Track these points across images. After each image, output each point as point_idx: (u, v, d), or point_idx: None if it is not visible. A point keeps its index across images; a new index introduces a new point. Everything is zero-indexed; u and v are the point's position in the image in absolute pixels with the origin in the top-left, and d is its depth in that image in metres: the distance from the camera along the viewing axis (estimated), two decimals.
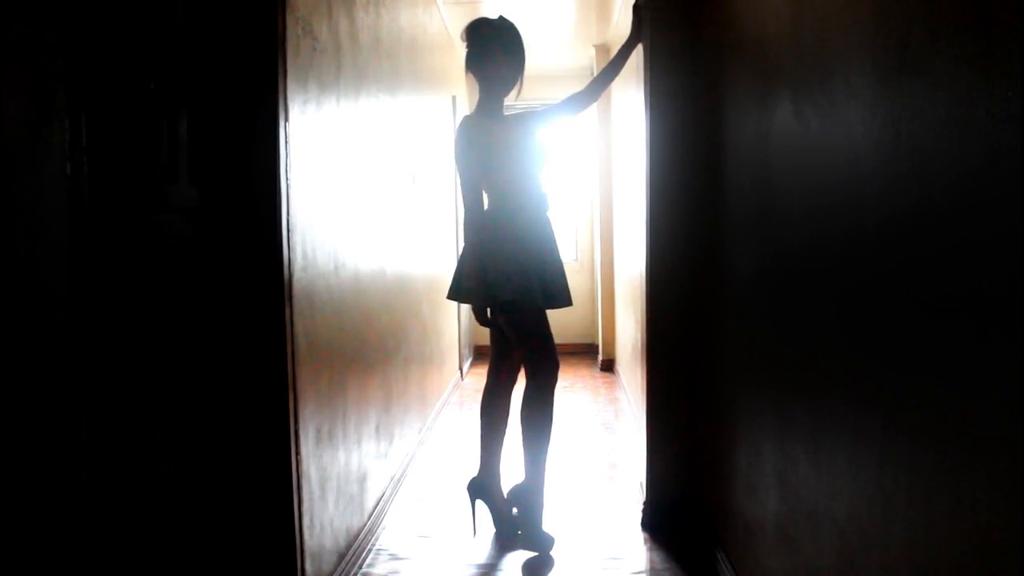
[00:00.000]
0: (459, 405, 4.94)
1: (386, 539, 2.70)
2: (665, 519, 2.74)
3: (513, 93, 2.74)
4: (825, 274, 1.34)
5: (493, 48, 2.64)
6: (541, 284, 2.61)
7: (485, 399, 2.84)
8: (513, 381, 2.87)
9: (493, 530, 2.77)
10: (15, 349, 1.11)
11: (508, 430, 2.86)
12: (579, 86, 6.76)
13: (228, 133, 1.75)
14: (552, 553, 2.56)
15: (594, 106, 6.32)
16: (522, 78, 2.71)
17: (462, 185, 2.64)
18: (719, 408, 2.37)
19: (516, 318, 2.61)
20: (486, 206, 2.70)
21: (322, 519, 2.07)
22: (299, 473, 1.88)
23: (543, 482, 2.65)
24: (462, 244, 2.82)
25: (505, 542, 2.67)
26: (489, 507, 2.77)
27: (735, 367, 2.14)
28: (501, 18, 2.69)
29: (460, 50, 6.27)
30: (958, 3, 0.88)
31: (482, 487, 2.78)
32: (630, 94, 3.93)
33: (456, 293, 2.78)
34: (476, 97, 2.78)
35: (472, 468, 3.49)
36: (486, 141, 2.62)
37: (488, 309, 2.65)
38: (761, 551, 1.84)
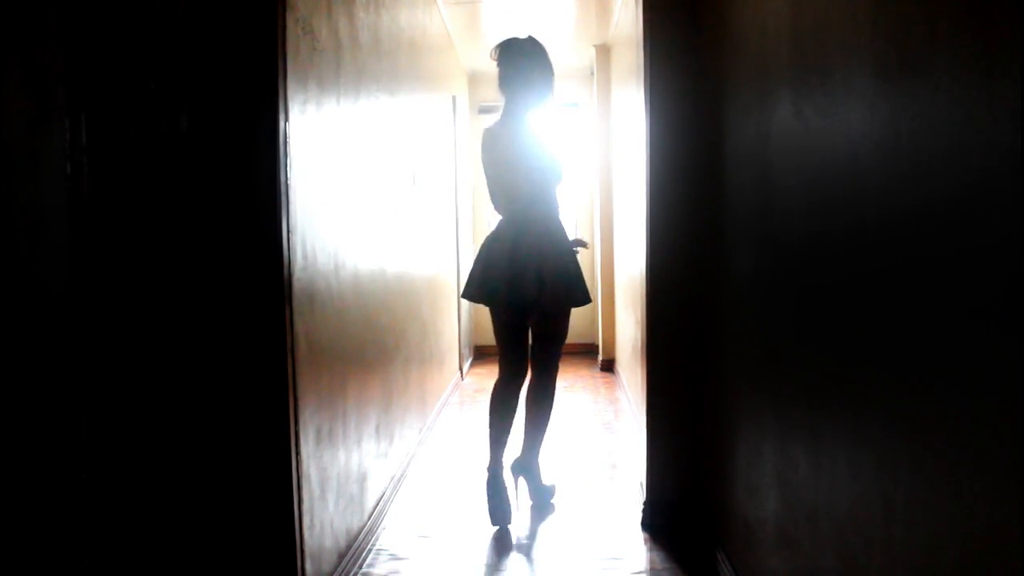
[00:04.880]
0: (459, 405, 4.94)
1: (386, 539, 2.70)
2: (665, 519, 2.74)
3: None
4: (825, 274, 1.34)
5: (525, 66, 2.88)
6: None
7: (514, 400, 3.00)
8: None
9: (529, 503, 3.06)
10: (15, 349, 1.11)
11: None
12: (579, 85, 6.81)
13: (228, 133, 1.75)
14: (552, 501, 3.04)
15: (594, 105, 6.38)
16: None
17: (518, 188, 2.86)
18: (719, 408, 2.37)
19: (564, 316, 2.97)
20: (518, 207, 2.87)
21: (322, 519, 2.07)
22: (299, 473, 1.88)
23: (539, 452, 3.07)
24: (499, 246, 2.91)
25: (506, 541, 2.68)
26: (529, 481, 3.04)
27: (735, 367, 2.14)
28: (530, 37, 2.93)
29: (460, 50, 6.20)
30: (958, 3, 0.88)
31: (525, 465, 3.05)
32: (630, 94, 3.93)
33: (492, 294, 2.86)
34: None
35: (474, 465, 3.49)
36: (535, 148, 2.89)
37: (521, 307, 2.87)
38: (761, 551, 1.84)
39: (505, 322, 2.91)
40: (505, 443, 2.94)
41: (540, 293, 2.82)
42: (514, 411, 2.96)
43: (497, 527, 2.79)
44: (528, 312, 2.90)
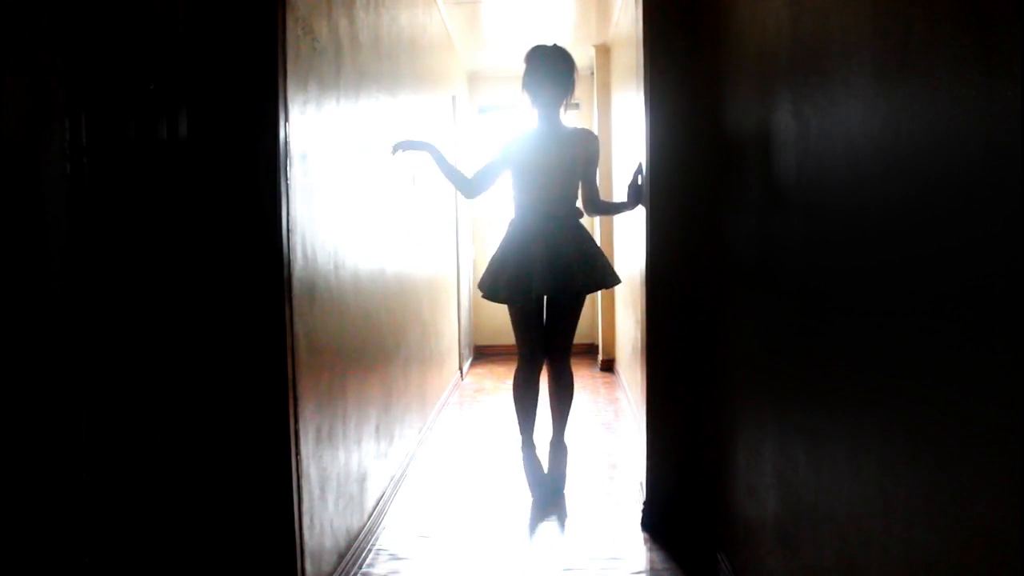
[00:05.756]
0: (459, 405, 4.94)
1: (386, 539, 2.70)
2: (665, 519, 2.74)
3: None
4: (824, 274, 1.34)
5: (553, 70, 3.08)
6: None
7: (531, 384, 3.22)
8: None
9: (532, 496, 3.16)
10: (15, 349, 1.11)
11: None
12: (579, 85, 6.79)
13: (228, 133, 1.75)
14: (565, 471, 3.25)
15: (593, 105, 6.37)
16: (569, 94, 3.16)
17: (544, 181, 3.07)
18: (719, 408, 2.37)
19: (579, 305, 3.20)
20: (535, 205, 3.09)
21: (322, 519, 2.07)
22: (299, 473, 1.88)
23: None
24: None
25: (506, 541, 2.68)
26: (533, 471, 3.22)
27: (735, 367, 2.14)
28: (556, 45, 3.14)
29: (460, 50, 6.19)
30: (958, 3, 0.88)
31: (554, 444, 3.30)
32: (630, 94, 3.93)
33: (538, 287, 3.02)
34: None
35: (473, 465, 3.49)
36: (562, 148, 3.10)
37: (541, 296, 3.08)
38: (761, 551, 1.84)
39: (521, 310, 3.10)
40: (533, 424, 3.24)
41: (560, 279, 2.98)
42: (537, 393, 3.23)
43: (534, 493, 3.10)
44: (545, 299, 3.10)
